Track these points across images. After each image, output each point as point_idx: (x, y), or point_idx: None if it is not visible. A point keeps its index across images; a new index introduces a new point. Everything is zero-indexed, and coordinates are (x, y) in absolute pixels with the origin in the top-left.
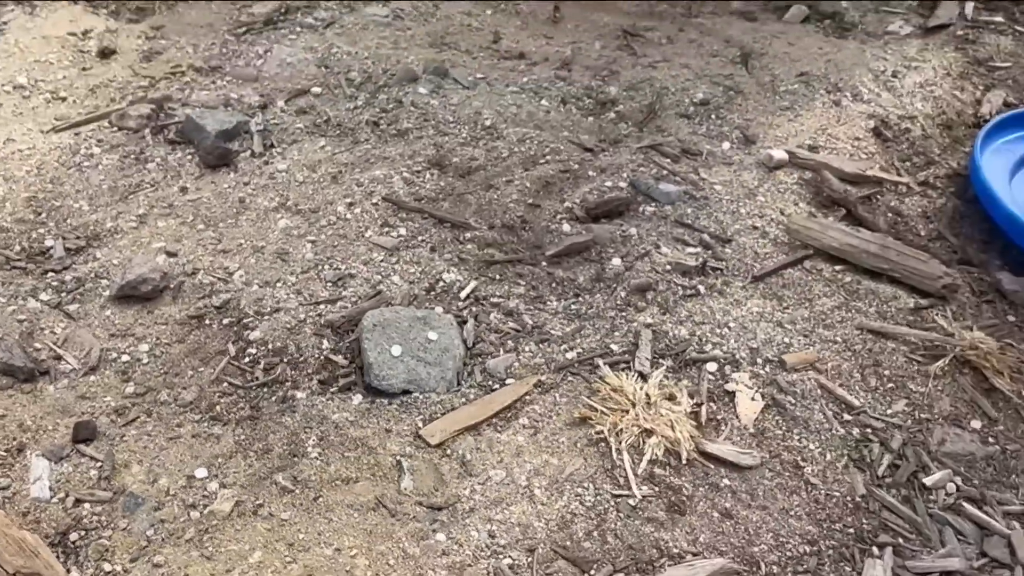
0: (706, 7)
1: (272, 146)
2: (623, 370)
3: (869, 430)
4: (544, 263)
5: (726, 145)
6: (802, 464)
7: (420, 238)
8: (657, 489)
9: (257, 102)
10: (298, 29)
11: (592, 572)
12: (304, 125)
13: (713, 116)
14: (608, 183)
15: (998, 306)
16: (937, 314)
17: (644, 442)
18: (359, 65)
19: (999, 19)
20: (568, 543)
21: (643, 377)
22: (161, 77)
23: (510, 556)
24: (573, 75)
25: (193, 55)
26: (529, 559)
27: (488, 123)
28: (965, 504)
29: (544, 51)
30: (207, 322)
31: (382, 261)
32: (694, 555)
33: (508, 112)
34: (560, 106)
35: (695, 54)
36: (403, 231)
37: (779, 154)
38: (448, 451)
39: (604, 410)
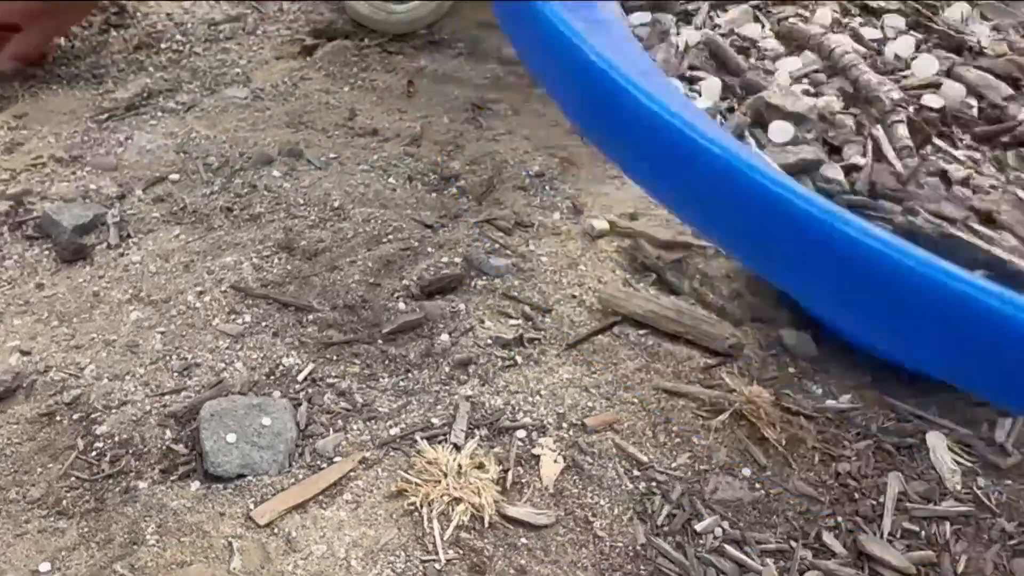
0: None
1: (128, 236)
2: (440, 442)
3: (654, 483)
4: (380, 341)
5: (556, 216)
6: (592, 519)
7: (264, 323)
8: (461, 552)
9: (115, 192)
10: (159, 114)
11: None
12: (160, 214)
13: (547, 187)
14: (444, 259)
15: (781, 359)
16: (724, 371)
17: (453, 510)
18: (217, 149)
19: None
20: None
21: (457, 448)
22: (22, 170)
23: None
24: (421, 151)
25: (55, 144)
26: None
27: (336, 204)
28: (727, 546)
29: (396, 127)
30: (57, 419)
31: (227, 348)
32: None
33: (356, 192)
34: (407, 183)
35: (537, 124)
36: (248, 317)
37: (600, 224)
38: (275, 530)
39: (419, 482)
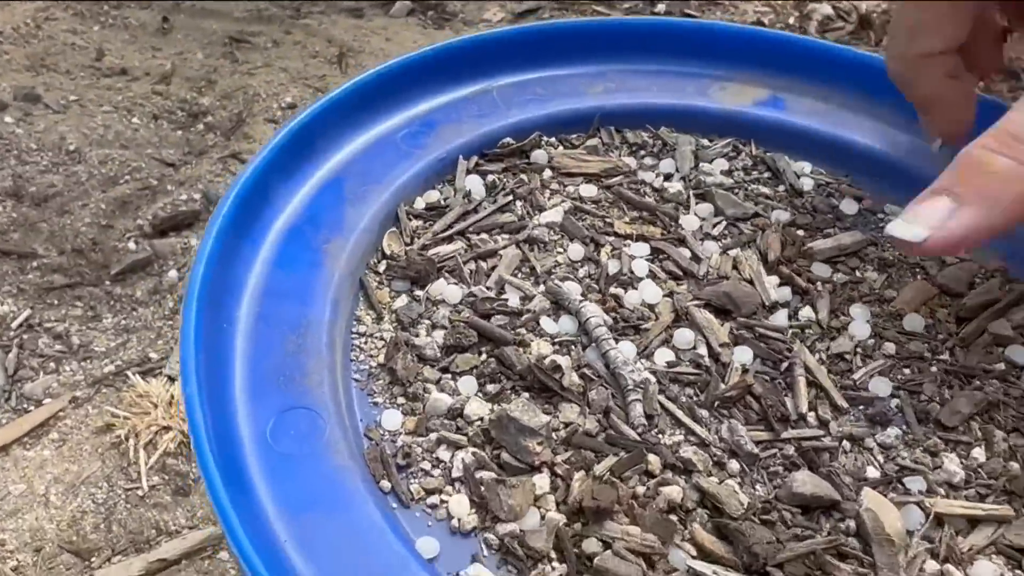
0: (316, 7)
1: None
2: (155, 376)
3: None
4: (107, 283)
5: None
6: None
7: None
8: (167, 477)
9: None
10: None
11: (93, 559)
12: None
13: None
14: (184, 196)
15: None
16: None
17: (160, 438)
18: None
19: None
20: (75, 538)
21: (171, 380)
22: None
23: (16, 559)
24: (171, 88)
25: None
26: (35, 558)
27: (72, 147)
28: None
29: (148, 65)
30: None
31: None
32: (190, 528)
33: (95, 134)
34: (151, 122)
35: (297, 56)
36: None
37: None
38: None
39: (127, 415)
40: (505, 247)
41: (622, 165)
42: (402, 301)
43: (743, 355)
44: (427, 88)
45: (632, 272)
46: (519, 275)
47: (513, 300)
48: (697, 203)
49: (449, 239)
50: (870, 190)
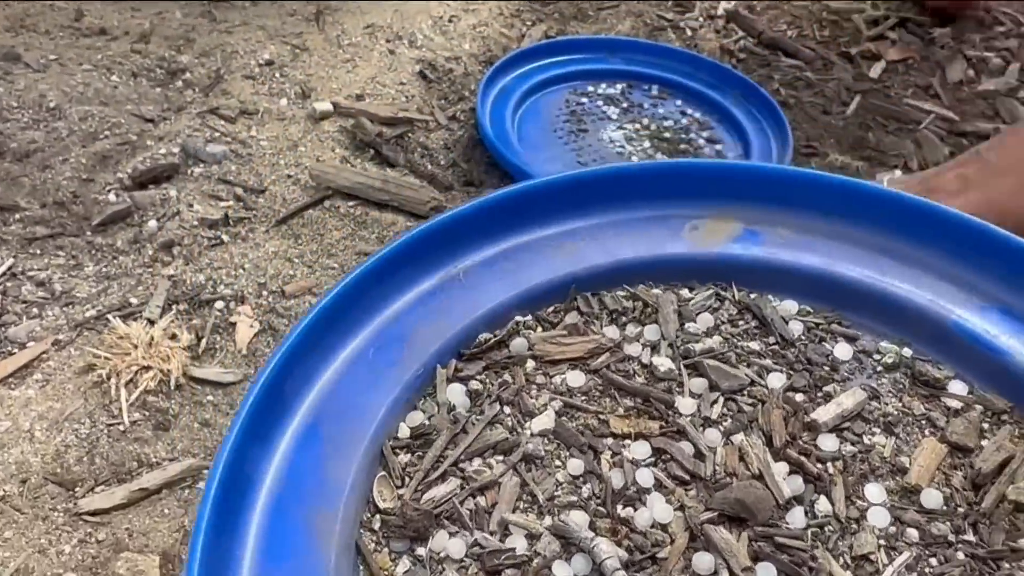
0: None
1: None
2: (136, 319)
3: None
4: (88, 233)
5: (283, 102)
6: None
7: None
8: (147, 413)
9: None
10: None
11: (77, 489)
12: None
13: (277, 75)
14: (163, 151)
15: None
16: None
17: (141, 377)
18: None
19: None
20: (59, 470)
21: (151, 323)
22: None
23: (3, 489)
24: (150, 47)
25: None
26: (21, 489)
27: (53, 105)
28: None
29: (127, 24)
30: None
31: None
32: (171, 460)
33: (75, 92)
34: (130, 80)
35: (275, 15)
36: None
37: (323, 105)
38: None
39: (108, 356)
40: (502, 475)
41: (605, 341)
42: (404, 565)
43: (767, 574)
44: (391, 289)
45: (637, 483)
46: (521, 505)
47: (520, 544)
48: (690, 377)
49: (442, 476)
50: (862, 327)
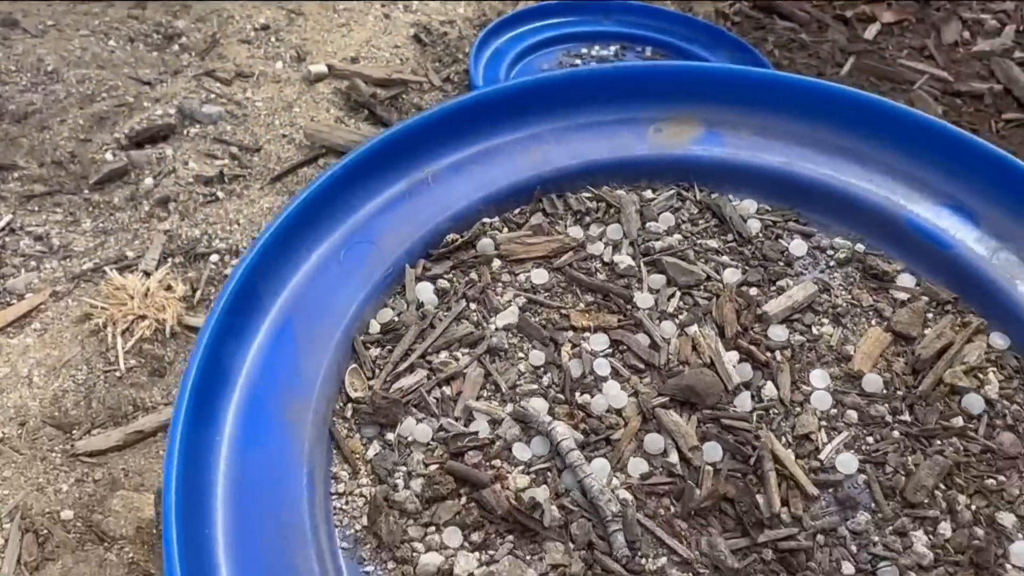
0: None
1: None
2: (132, 271)
3: None
4: (86, 191)
5: (279, 65)
6: None
7: None
8: (143, 360)
9: None
10: None
11: (74, 431)
12: None
13: (273, 39)
14: (159, 112)
15: None
16: None
17: (137, 326)
18: None
19: None
20: (57, 414)
21: (147, 275)
22: None
23: (2, 432)
24: (147, 12)
25: None
26: (20, 431)
27: (51, 68)
28: None
29: None
30: None
31: None
32: (166, 404)
33: (73, 56)
34: (127, 44)
35: None
36: None
37: (318, 68)
38: None
39: (104, 306)
40: (467, 367)
41: (569, 240)
42: (375, 449)
43: (713, 453)
44: (364, 192)
45: (595, 372)
46: (484, 394)
47: (483, 428)
48: (649, 273)
49: (410, 368)
50: (818, 224)
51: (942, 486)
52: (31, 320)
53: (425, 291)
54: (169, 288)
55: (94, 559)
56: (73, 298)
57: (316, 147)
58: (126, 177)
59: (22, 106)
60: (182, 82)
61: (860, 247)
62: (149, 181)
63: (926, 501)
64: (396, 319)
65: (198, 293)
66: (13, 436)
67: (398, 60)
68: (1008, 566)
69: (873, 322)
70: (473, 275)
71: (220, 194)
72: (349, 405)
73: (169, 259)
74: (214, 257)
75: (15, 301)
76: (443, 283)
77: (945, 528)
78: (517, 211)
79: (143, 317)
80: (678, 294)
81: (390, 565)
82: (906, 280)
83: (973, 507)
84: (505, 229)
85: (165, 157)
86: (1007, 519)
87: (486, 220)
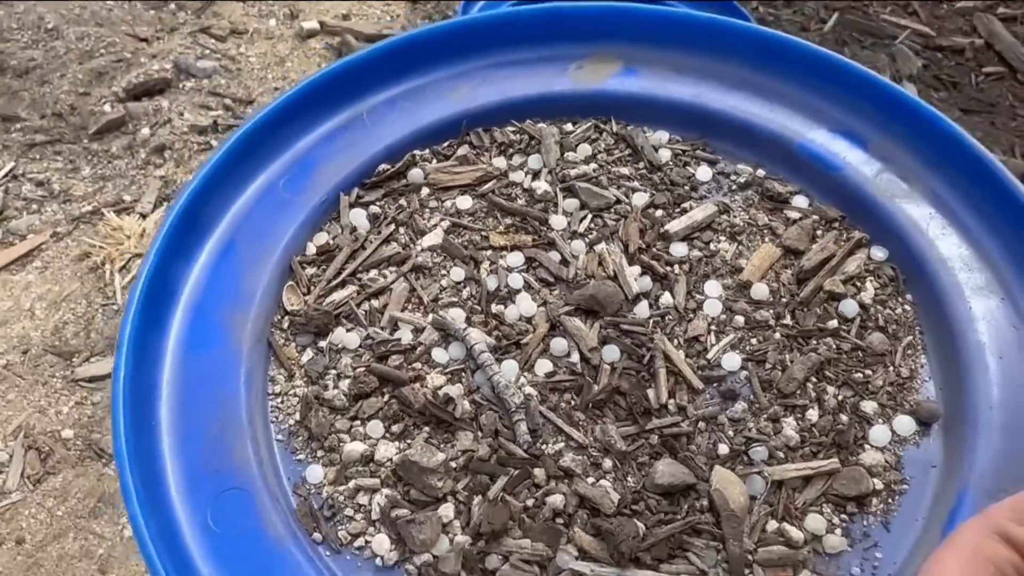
0: None
1: None
2: (129, 214)
3: None
4: (85, 140)
5: (272, 22)
6: None
7: None
8: None
9: None
10: None
11: (74, 359)
12: None
13: None
14: (156, 67)
15: None
16: None
17: (133, 264)
18: None
19: None
20: (57, 343)
21: (143, 216)
22: None
23: (6, 359)
24: None
25: None
26: (23, 358)
27: (51, 26)
28: None
29: None
30: None
31: None
32: None
33: (72, 14)
34: (125, 3)
35: None
36: None
37: (310, 24)
38: None
39: (103, 245)
40: (393, 282)
41: (493, 170)
42: (308, 355)
43: (610, 354)
44: (302, 126)
45: (509, 286)
46: (409, 307)
47: (406, 336)
48: (565, 198)
49: (342, 284)
50: (723, 152)
51: (814, 379)
52: (33, 259)
53: (358, 216)
54: None
55: (93, 474)
56: (73, 238)
57: None
58: (124, 127)
59: (23, 62)
60: (178, 39)
61: (760, 172)
62: (146, 131)
63: (797, 392)
64: (331, 242)
65: None
66: (16, 363)
67: (388, 17)
68: (867, 446)
69: (767, 239)
70: (403, 202)
71: (214, 143)
72: (286, 318)
73: (164, 203)
74: None
75: (17, 241)
76: (375, 209)
77: (813, 415)
78: (446, 144)
79: (139, 255)
80: (589, 216)
81: (319, 453)
82: (800, 201)
83: (840, 397)
84: (434, 160)
85: (161, 108)
86: (869, 407)
87: (416, 152)
